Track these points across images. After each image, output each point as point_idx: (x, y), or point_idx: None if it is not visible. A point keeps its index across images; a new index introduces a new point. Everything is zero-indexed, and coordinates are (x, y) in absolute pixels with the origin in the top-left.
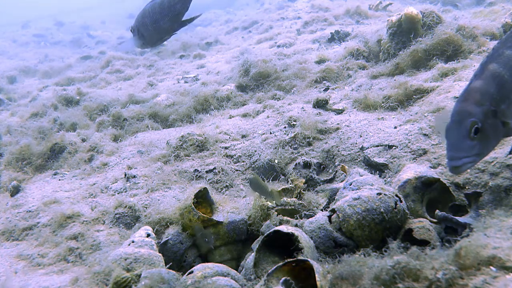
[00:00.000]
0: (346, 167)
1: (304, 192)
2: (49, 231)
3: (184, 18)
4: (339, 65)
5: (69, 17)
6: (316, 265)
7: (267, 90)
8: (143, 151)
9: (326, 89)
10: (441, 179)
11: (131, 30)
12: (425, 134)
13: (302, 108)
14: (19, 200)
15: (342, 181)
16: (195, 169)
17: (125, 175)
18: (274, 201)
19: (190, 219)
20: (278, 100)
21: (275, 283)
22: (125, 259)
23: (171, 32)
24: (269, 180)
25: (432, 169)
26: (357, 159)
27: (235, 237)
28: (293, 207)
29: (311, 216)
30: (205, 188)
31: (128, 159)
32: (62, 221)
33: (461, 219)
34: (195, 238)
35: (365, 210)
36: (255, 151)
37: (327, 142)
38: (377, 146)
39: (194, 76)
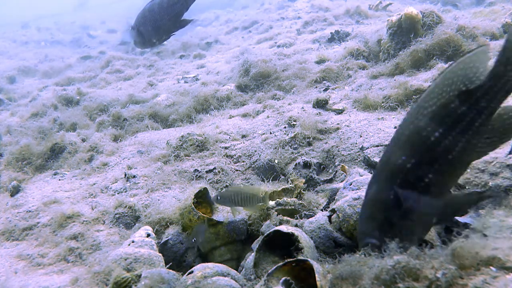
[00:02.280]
0: (346, 167)
1: (304, 192)
2: (49, 231)
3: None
4: (339, 65)
5: (69, 17)
6: (316, 265)
7: (267, 90)
8: (143, 151)
9: (326, 89)
10: None
11: (131, 30)
12: None
13: (302, 108)
14: (19, 200)
15: (342, 181)
16: (195, 169)
17: (125, 175)
18: (257, 206)
19: (190, 219)
20: (278, 100)
21: (275, 283)
22: (125, 259)
23: (170, 32)
24: (269, 180)
25: None
26: (357, 159)
27: (235, 237)
28: (293, 207)
29: (311, 216)
30: (205, 188)
31: (128, 159)
32: (62, 221)
33: (461, 219)
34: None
35: None
36: (255, 151)
37: (327, 142)
38: (377, 146)
39: (194, 76)
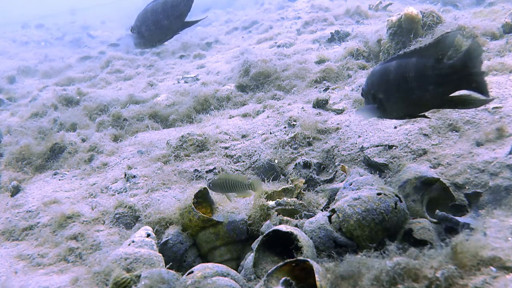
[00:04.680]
0: (346, 167)
1: (304, 192)
2: (49, 231)
3: (187, 19)
4: (339, 65)
5: (69, 17)
6: (316, 265)
7: (267, 90)
8: (143, 151)
9: (326, 89)
10: (441, 179)
11: (131, 30)
12: (425, 134)
13: (302, 108)
14: (19, 200)
15: (342, 181)
16: (195, 169)
17: (125, 175)
18: (247, 193)
19: (190, 219)
20: (278, 100)
21: (275, 283)
22: (125, 259)
23: (173, 32)
24: (269, 180)
25: (432, 169)
26: (357, 159)
27: (235, 237)
28: (293, 207)
29: (311, 216)
30: (205, 188)
31: (128, 159)
32: (62, 221)
33: (461, 219)
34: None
35: (365, 210)
36: (255, 151)
37: (327, 142)
38: (377, 146)
39: (194, 76)
